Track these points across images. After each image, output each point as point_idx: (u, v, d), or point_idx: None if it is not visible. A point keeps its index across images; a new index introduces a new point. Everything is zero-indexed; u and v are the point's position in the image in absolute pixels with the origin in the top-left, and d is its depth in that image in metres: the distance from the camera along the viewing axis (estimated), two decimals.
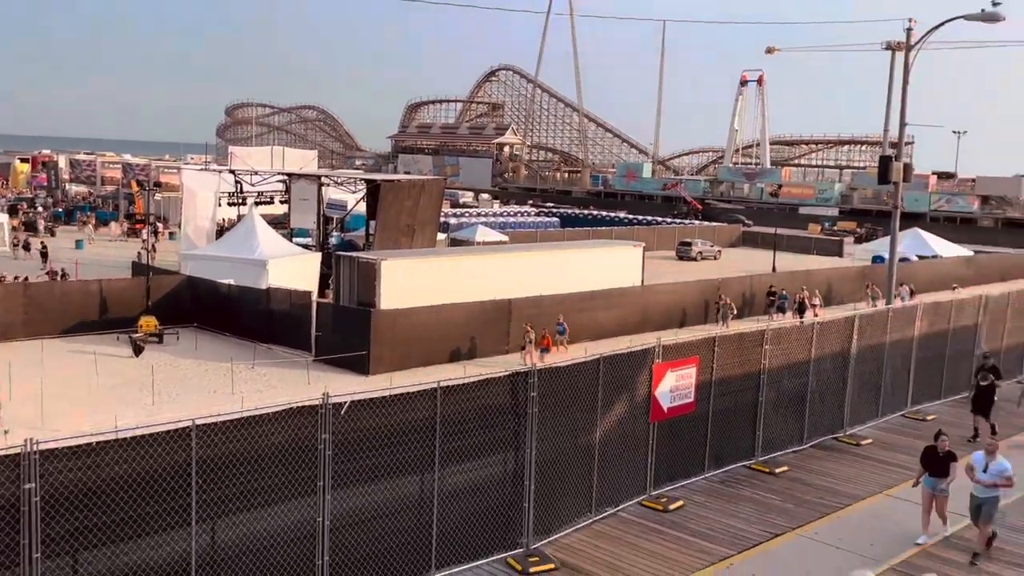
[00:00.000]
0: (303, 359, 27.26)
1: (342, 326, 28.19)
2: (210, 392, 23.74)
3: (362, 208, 42.12)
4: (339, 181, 47.07)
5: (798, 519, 14.04)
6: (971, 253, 58.03)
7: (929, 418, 19.85)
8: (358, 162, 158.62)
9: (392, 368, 26.40)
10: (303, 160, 59.28)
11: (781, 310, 37.37)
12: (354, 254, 33.85)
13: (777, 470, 16.20)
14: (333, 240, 44.91)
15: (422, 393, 11.39)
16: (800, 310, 36.16)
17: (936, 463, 13.27)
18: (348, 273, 31.81)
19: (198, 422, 9.51)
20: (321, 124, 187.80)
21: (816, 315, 31.64)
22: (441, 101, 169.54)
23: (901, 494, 15.12)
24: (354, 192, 45.49)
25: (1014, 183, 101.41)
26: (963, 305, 22.17)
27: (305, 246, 41.30)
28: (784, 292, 38.26)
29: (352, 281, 31.61)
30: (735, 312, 35.61)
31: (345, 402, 10.42)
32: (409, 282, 30.55)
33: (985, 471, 12.66)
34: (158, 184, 65.73)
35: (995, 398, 18.63)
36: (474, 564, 11.89)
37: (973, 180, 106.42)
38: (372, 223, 39.41)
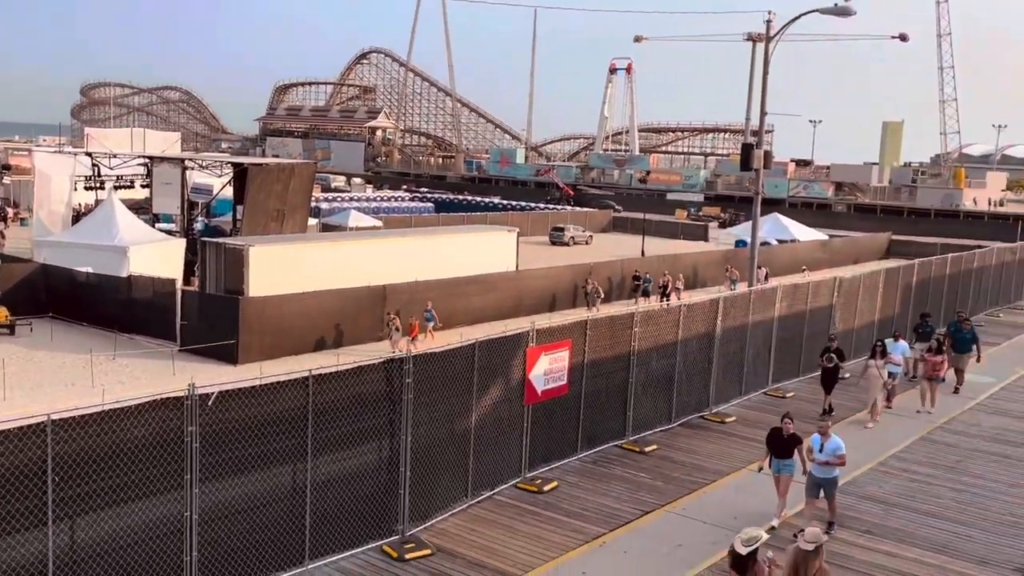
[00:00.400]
0: (168, 349, 26.31)
1: (209, 315, 27.34)
2: (68, 385, 22.63)
3: (229, 193, 40.85)
4: (204, 164, 45.45)
5: (667, 496, 14.48)
6: (826, 237, 60.96)
7: (788, 395, 20.80)
8: (224, 145, 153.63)
9: (263, 357, 25.77)
10: (165, 143, 57.00)
11: (646, 294, 38.36)
12: (221, 240, 32.85)
13: (647, 449, 16.65)
14: (198, 226, 43.40)
15: (294, 382, 11.16)
16: (664, 294, 37.24)
17: (780, 445, 13.47)
18: (215, 260, 30.86)
19: (54, 416, 9.06)
20: (184, 105, 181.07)
21: (679, 298, 32.59)
22: (311, 83, 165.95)
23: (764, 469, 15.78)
24: (220, 176, 44.01)
25: (865, 171, 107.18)
26: (819, 287, 23.25)
27: (169, 232, 39.78)
28: (648, 276, 39.27)
29: (219, 268, 30.70)
30: (602, 296, 36.26)
31: (212, 393, 10.12)
32: (279, 269, 29.88)
33: (821, 451, 12.94)
34: (7, 167, 62.08)
35: (839, 378, 19.57)
36: (349, 553, 11.78)
37: (828, 168, 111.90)
38: (240, 208, 38.29)
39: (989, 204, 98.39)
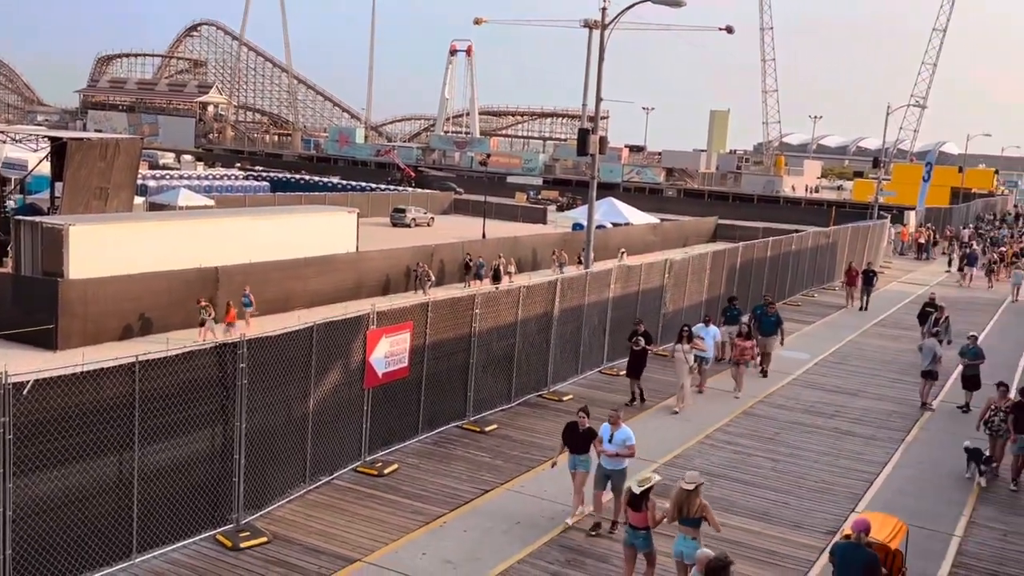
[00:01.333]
0: None
1: (24, 298, 25.70)
2: None
3: (46, 168, 38.44)
4: (17, 138, 42.52)
5: (506, 474, 14.71)
6: (658, 221, 63.30)
7: (622, 373, 21.49)
8: (40, 117, 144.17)
9: (85, 343, 24.50)
10: None
11: (478, 277, 38.60)
12: (38, 219, 30.90)
13: (487, 428, 16.86)
14: (12, 204, 40.58)
15: (118, 369, 10.62)
16: (496, 277, 37.58)
17: (576, 440, 12.80)
18: (31, 240, 29.04)
19: None
20: None
21: (511, 281, 33.01)
22: (137, 55, 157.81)
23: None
24: (36, 151, 41.30)
25: (694, 157, 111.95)
26: (651, 269, 24.11)
27: None
28: (481, 260, 39.58)
29: (36, 249, 28.91)
30: (432, 279, 36.29)
31: (27, 381, 9.50)
32: (103, 249, 28.38)
33: (610, 441, 12.33)
34: None
35: (647, 362, 19.04)
36: (181, 544, 11.37)
37: (660, 154, 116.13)
38: (59, 185, 36.07)
39: (806, 190, 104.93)
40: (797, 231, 40.78)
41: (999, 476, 15.68)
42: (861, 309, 32.59)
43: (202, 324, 26.36)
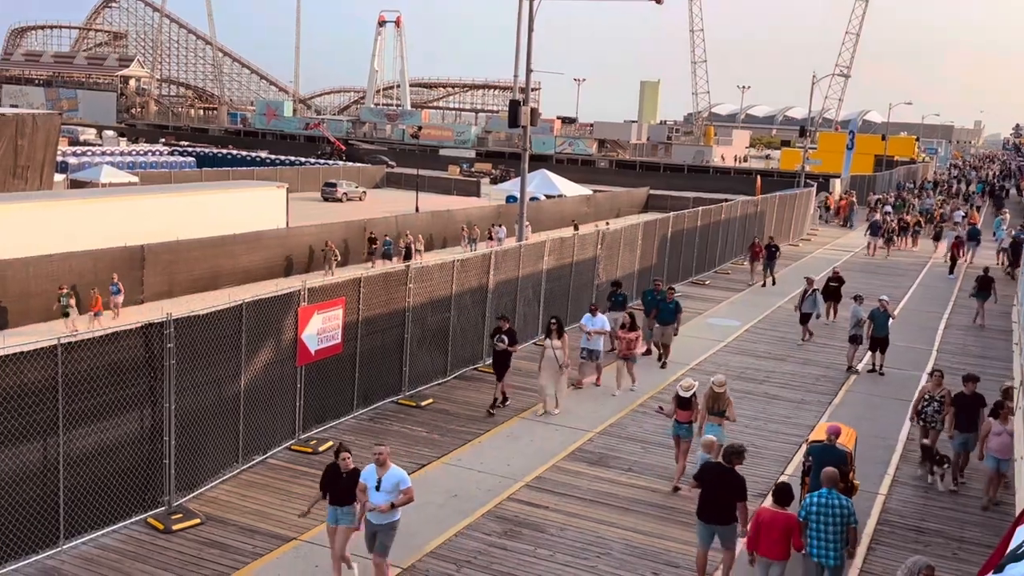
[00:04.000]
0: None
1: None
2: None
3: None
4: None
5: (443, 448, 14.72)
6: (590, 192, 63.58)
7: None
8: None
9: (6, 325, 23.72)
10: None
11: (387, 256, 37.16)
12: None
13: (423, 403, 16.82)
14: None
15: (40, 352, 10.31)
16: (406, 255, 36.55)
17: (339, 487, 10.04)
18: None
19: None
20: None
21: (420, 260, 31.96)
22: (52, 27, 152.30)
23: (531, 417, 16.41)
24: None
25: (625, 128, 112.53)
26: (584, 240, 24.23)
27: None
28: (388, 238, 38.26)
29: None
30: (339, 258, 35.20)
31: None
32: (22, 229, 27.50)
33: (378, 488, 9.71)
34: None
35: (510, 364, 16.96)
36: (111, 528, 11.15)
37: (591, 125, 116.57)
38: None
39: (735, 160, 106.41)
40: (727, 200, 41.38)
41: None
42: (764, 285, 31.13)
43: (65, 315, 24.09)
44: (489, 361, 18.84)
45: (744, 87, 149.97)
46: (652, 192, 71.44)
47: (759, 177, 73.18)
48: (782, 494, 9.81)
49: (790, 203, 44.57)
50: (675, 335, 20.66)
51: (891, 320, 20.71)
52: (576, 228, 42.54)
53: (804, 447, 13.48)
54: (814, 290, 23.45)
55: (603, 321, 18.58)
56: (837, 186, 64.02)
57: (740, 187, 76.11)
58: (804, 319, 23.24)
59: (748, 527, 10.04)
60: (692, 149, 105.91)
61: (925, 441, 14.63)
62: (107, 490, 11.12)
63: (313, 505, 10.48)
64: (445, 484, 13.34)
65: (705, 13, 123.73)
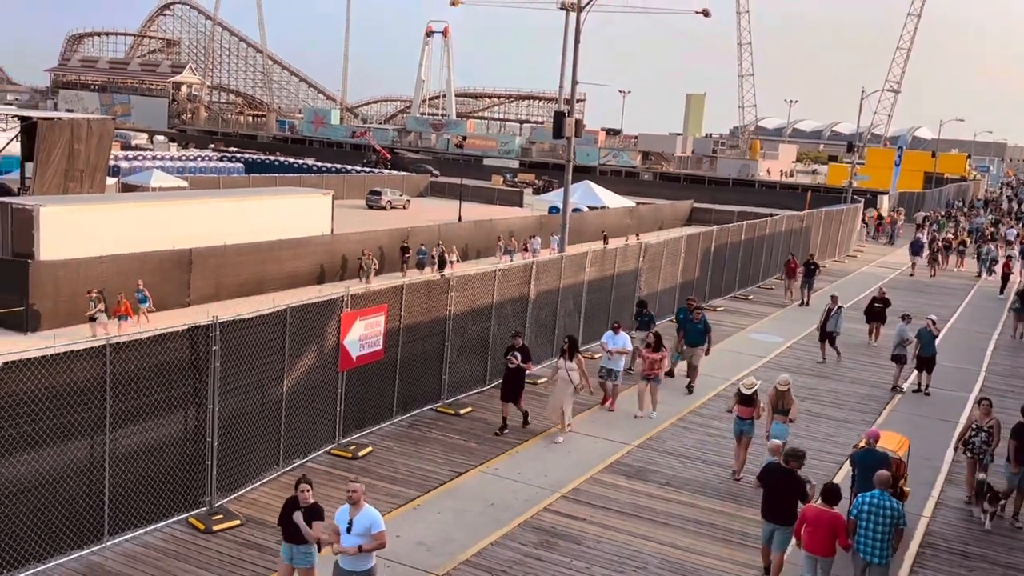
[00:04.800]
0: None
1: None
2: None
3: (16, 148, 37.95)
4: None
5: (480, 457, 14.75)
6: (633, 204, 63.38)
7: (596, 356, 21.53)
8: (10, 97, 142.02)
9: (58, 325, 24.24)
10: None
11: (420, 266, 37.02)
12: (7, 200, 30.49)
13: (462, 411, 16.87)
14: None
15: (90, 351, 10.54)
16: (440, 265, 36.60)
17: (293, 525, 9.12)
18: (0, 221, 28.64)
19: None
20: None
21: (453, 270, 31.90)
22: (109, 33, 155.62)
23: (573, 427, 16.38)
24: (6, 130, 40.76)
25: (670, 140, 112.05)
26: (627, 252, 24.17)
27: None
28: (423, 248, 38.23)
29: (5, 230, 28.58)
30: (377, 267, 35.30)
31: None
32: (74, 231, 28.11)
33: (349, 529, 8.88)
34: None
35: (524, 382, 16.31)
36: (153, 527, 11.33)
37: (636, 137, 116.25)
38: (29, 166, 35.63)
39: (781, 175, 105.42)
40: (772, 215, 41.02)
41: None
42: (802, 304, 30.09)
43: (92, 320, 24.01)
44: (540, 367, 18.76)
45: (791, 101, 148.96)
46: (696, 205, 71.04)
47: (809, 192, 72.44)
48: (830, 494, 10.05)
49: (836, 219, 44.05)
50: (706, 354, 19.57)
51: (937, 339, 20.37)
52: (606, 241, 42.28)
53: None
54: (838, 308, 22.88)
55: (625, 340, 17.74)
56: (885, 202, 63.17)
57: (786, 202, 75.41)
58: (827, 338, 22.71)
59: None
60: (737, 163, 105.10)
61: (981, 476, 13.59)
62: (151, 489, 11.31)
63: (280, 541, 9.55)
64: (482, 493, 13.36)
65: (753, 27, 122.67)
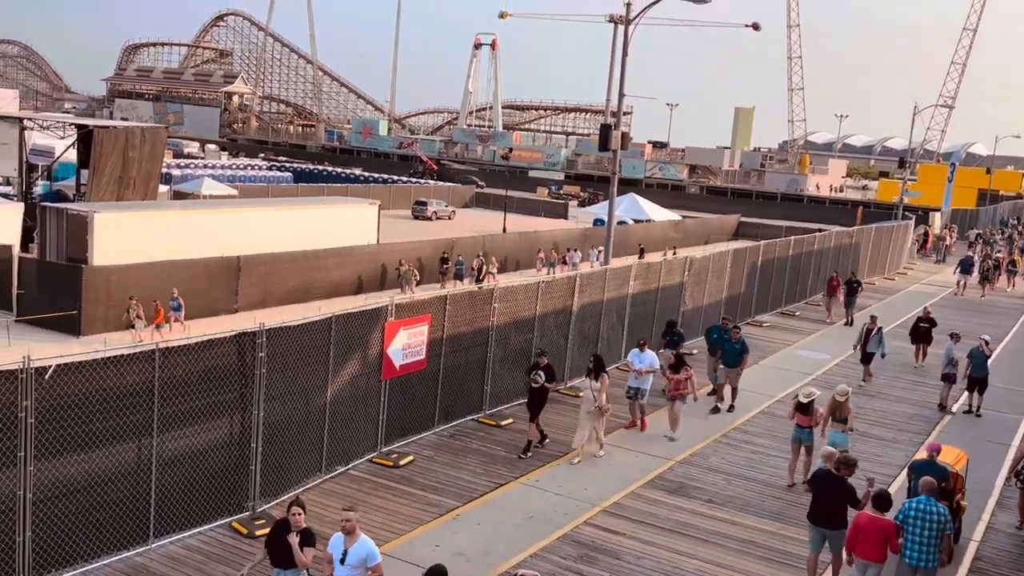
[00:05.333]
0: (3, 319, 24.82)
1: (49, 284, 25.95)
2: None
3: (72, 156, 38.81)
4: (45, 125, 42.91)
5: (521, 468, 14.73)
6: (679, 217, 63.01)
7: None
8: (68, 105, 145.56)
9: (109, 329, 24.69)
10: (2, 100, 53.43)
11: (459, 277, 36.77)
12: (63, 205, 31.19)
13: (503, 423, 16.87)
14: (39, 190, 41.02)
15: (139, 355, 10.74)
16: (478, 277, 36.40)
17: (281, 549, 8.67)
18: (56, 226, 29.32)
19: None
20: (24, 62, 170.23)
21: (493, 281, 31.75)
22: (163, 44, 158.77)
23: (613, 440, 16.31)
24: (63, 138, 41.70)
25: (717, 154, 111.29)
26: (672, 266, 24.04)
27: (5, 196, 37.42)
28: (461, 259, 38.03)
29: (61, 235, 29.19)
30: (418, 278, 35.05)
31: (50, 366, 9.62)
32: (127, 237, 28.63)
33: (343, 561, 8.53)
34: None
35: (546, 401, 15.83)
36: (197, 530, 11.48)
37: (683, 150, 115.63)
38: (84, 173, 36.42)
39: (830, 190, 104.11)
40: (820, 230, 40.51)
41: None
42: (846, 324, 29.22)
43: (131, 327, 24.47)
44: (572, 383, 18.78)
45: (842, 116, 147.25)
46: (743, 220, 70.42)
47: (861, 208, 71.43)
48: (881, 500, 10.16)
49: (886, 235, 43.37)
50: (738, 375, 18.95)
51: (989, 360, 19.95)
52: (642, 255, 41.89)
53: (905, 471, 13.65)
54: (879, 328, 22.15)
55: (652, 358, 17.22)
56: (937, 219, 62.08)
57: (835, 217, 74.44)
58: (867, 359, 22.08)
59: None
60: (786, 177, 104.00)
61: None
62: (195, 492, 11.47)
63: (253, 566, 9.38)
64: (522, 505, 13.34)
65: (803, 40, 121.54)
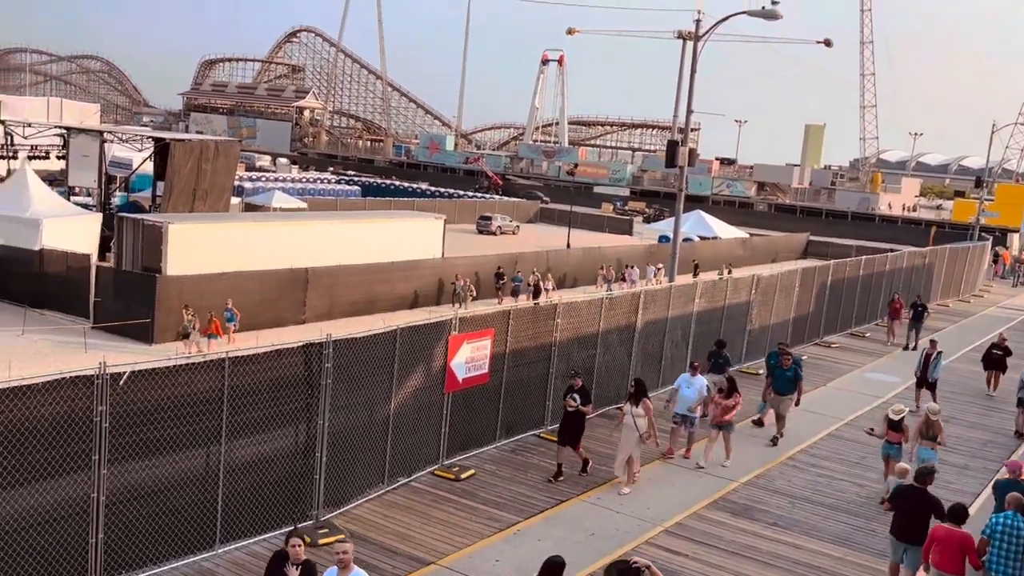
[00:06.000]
0: (80, 326, 25.58)
1: (124, 292, 26.67)
2: None
3: (149, 168, 39.88)
4: (124, 138, 44.20)
5: (582, 485, 14.65)
6: (747, 235, 62.24)
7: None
8: (146, 119, 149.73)
9: (179, 338, 25.24)
10: (84, 114, 55.43)
11: (515, 293, 36.47)
12: (139, 216, 32.05)
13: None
14: (116, 200, 42.26)
15: (209, 363, 10.98)
16: (535, 293, 36.10)
17: None
18: (132, 236, 30.11)
19: None
20: (105, 76, 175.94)
21: (548, 298, 31.42)
22: (238, 59, 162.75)
23: (674, 460, 16.12)
24: (141, 150, 42.91)
25: (786, 171, 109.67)
26: (738, 284, 23.75)
27: (85, 206, 38.64)
28: (518, 275, 37.70)
29: (137, 245, 29.97)
30: (474, 294, 34.76)
31: (124, 372, 9.88)
32: (199, 248, 29.27)
33: None
34: None
35: (583, 426, 15.13)
36: (262, 537, 11.65)
37: (751, 167, 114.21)
38: (160, 184, 37.41)
39: (903, 209, 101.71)
40: (892, 250, 39.66)
41: None
42: (907, 348, 28.06)
43: (186, 336, 24.61)
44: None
45: (916, 134, 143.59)
46: (812, 238, 69.20)
47: (934, 227, 69.72)
48: (957, 514, 10.39)
49: (961, 257, 42.25)
50: (796, 405, 18.04)
51: None
52: (696, 273, 41.24)
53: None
54: (938, 353, 21.27)
55: (702, 383, 16.52)
56: (1015, 241, 60.27)
57: (908, 237, 72.79)
58: (926, 384, 21.13)
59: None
60: (857, 195, 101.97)
61: None
62: (261, 500, 11.65)
63: None
64: (583, 522, 13.27)
65: (877, 57, 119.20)
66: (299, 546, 8.27)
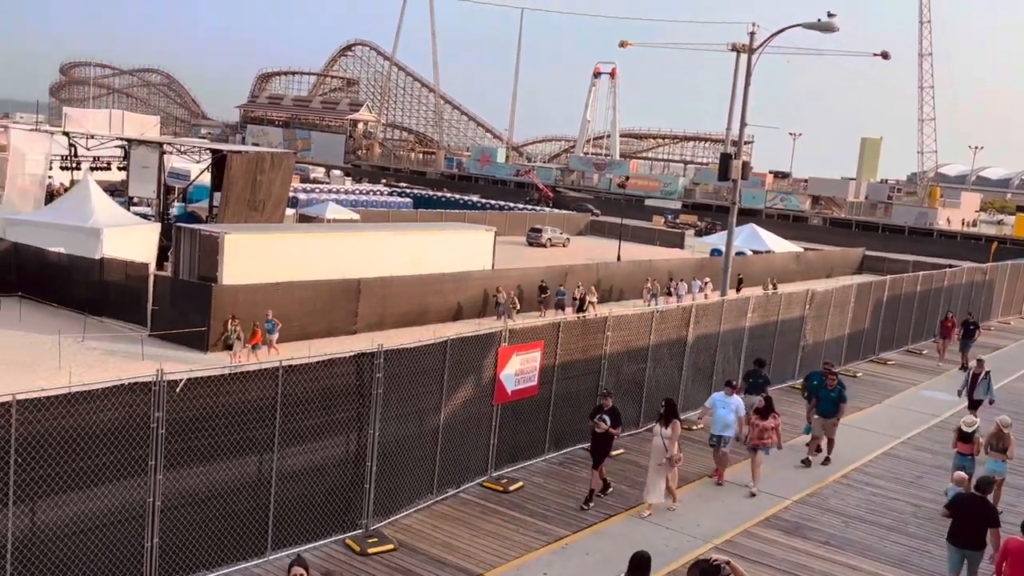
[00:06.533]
0: (138, 334, 26.12)
1: (181, 300, 27.21)
2: (34, 366, 22.40)
3: (206, 179, 40.69)
4: (183, 149, 45.17)
5: (631, 500, 14.54)
6: (800, 249, 61.45)
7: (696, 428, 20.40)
8: (204, 131, 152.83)
9: (223, 348, 25.66)
10: (144, 126, 56.64)
11: (560, 307, 36.15)
12: (196, 226, 32.67)
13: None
14: (175, 211, 43.15)
15: (263, 372, 11.13)
16: (580, 307, 35.62)
17: None
18: (189, 246, 30.70)
19: (19, 397, 8.97)
20: (165, 89, 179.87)
21: (595, 312, 31.07)
22: (294, 73, 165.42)
23: (726, 476, 15.93)
24: (199, 162, 43.82)
25: (842, 185, 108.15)
26: (792, 299, 23.43)
27: (144, 216, 39.51)
28: (563, 288, 37.23)
29: (193, 254, 30.55)
30: (518, 307, 34.47)
31: (181, 379, 10.07)
32: (254, 257, 29.75)
33: None
34: None
35: (610, 448, 14.65)
36: (312, 545, 11.75)
37: (805, 181, 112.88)
38: (217, 195, 38.11)
39: (963, 224, 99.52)
40: (951, 266, 38.84)
41: None
42: (961, 368, 26.77)
43: (230, 347, 25.05)
44: (691, 415, 18.33)
45: (976, 147, 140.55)
46: (868, 253, 68.10)
47: (995, 243, 68.14)
48: None
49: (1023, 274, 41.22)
50: (835, 424, 17.32)
51: None
52: (739, 288, 40.29)
53: None
54: (986, 372, 20.47)
55: (738, 403, 15.69)
56: None
57: (966, 253, 71.30)
58: (973, 405, 20.30)
59: (996, 553, 10.78)
60: (915, 210, 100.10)
61: None
62: (312, 508, 11.76)
63: None
64: (632, 538, 13.13)
65: (936, 69, 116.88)
66: (301, 575, 8.04)
